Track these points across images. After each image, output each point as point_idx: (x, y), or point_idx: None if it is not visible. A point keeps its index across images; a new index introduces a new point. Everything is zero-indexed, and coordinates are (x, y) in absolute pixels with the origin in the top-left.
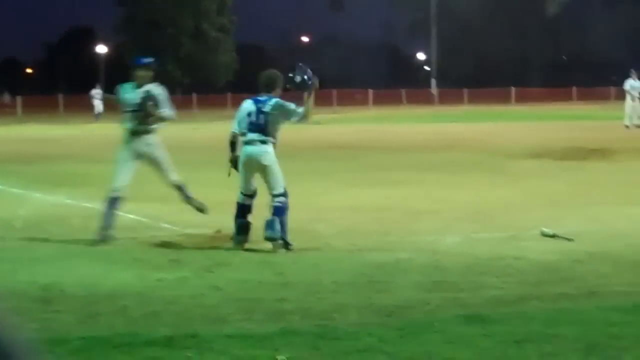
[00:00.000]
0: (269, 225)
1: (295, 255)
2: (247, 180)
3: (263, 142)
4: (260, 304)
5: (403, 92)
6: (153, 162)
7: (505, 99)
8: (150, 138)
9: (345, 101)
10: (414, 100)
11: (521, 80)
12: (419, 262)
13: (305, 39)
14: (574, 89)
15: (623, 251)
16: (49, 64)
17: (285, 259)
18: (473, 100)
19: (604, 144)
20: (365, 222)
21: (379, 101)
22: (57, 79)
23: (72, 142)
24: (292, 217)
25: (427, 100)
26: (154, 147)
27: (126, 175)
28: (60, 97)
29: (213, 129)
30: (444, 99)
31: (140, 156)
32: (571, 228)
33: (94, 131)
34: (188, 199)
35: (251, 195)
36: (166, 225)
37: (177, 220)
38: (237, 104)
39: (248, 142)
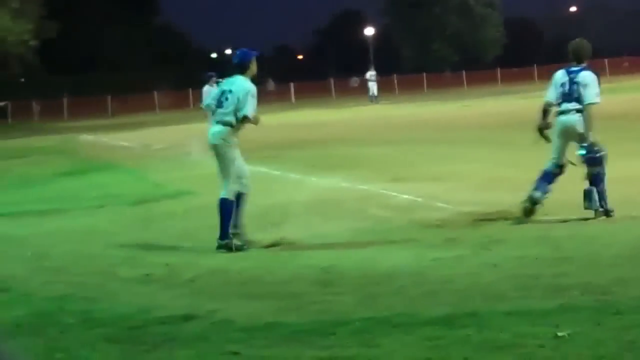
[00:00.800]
0: (587, 195)
1: (572, 228)
2: (561, 150)
3: (578, 111)
4: (538, 279)
5: None
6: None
7: None
8: None
9: (617, 70)
10: None
11: None
12: None
13: (573, 8)
14: None
15: None
16: (319, 50)
17: (562, 233)
18: None
19: None
20: None
21: None
22: (327, 63)
23: (344, 125)
24: (568, 190)
25: None
26: None
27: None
28: (332, 82)
29: (484, 105)
30: None
31: None
32: None
33: (367, 113)
34: None
35: (562, 166)
36: (441, 204)
37: (452, 198)
38: (506, 79)
39: (563, 112)
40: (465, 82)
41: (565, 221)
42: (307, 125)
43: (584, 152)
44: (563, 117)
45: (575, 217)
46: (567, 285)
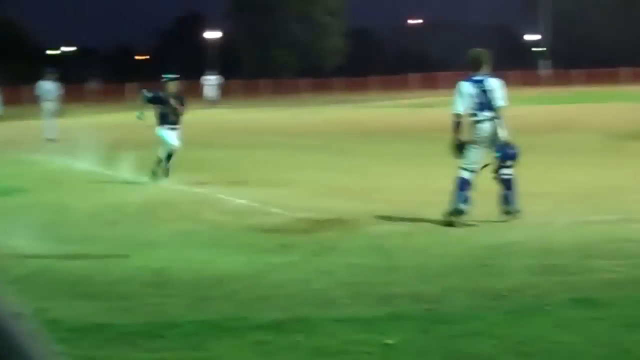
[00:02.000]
0: (505, 199)
1: (405, 238)
2: (478, 157)
3: (494, 118)
4: (368, 287)
5: (512, 73)
6: None
7: (616, 80)
8: None
9: (453, 84)
10: (522, 81)
11: (633, 61)
12: (529, 245)
13: (414, 21)
14: None
15: None
16: (161, 51)
17: (394, 242)
18: (584, 80)
19: None
20: (476, 207)
21: None
22: (168, 65)
23: (184, 127)
24: (402, 201)
25: (536, 81)
26: None
27: None
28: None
29: (323, 113)
30: (553, 80)
31: None
32: None
33: (206, 117)
34: None
35: (474, 171)
36: (276, 210)
37: (287, 204)
38: (347, 88)
39: (480, 121)
40: (305, 90)
41: (398, 230)
42: (147, 126)
43: (499, 153)
44: (482, 126)
45: (407, 227)
46: (397, 293)
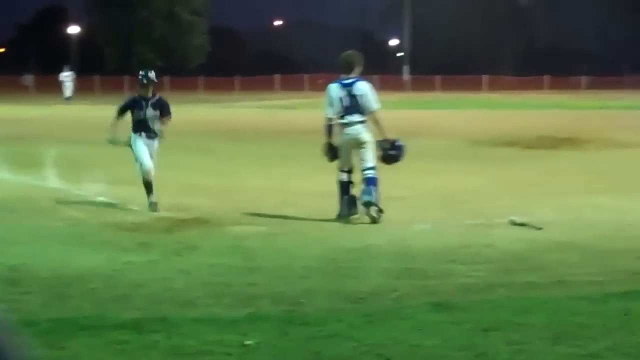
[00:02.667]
0: (366, 192)
1: (266, 239)
2: (349, 158)
3: (361, 121)
4: (229, 288)
5: (374, 77)
6: None
7: (477, 87)
8: None
9: (317, 86)
10: (385, 86)
11: (493, 68)
12: (388, 248)
13: (279, 22)
14: (546, 77)
15: (591, 241)
16: (20, 44)
17: (255, 243)
18: (445, 87)
19: (574, 133)
20: (335, 208)
21: None
22: (27, 59)
23: (42, 123)
24: (264, 201)
25: (399, 86)
26: None
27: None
28: (31, 78)
29: (186, 112)
30: (415, 86)
31: None
32: (540, 217)
33: (66, 112)
34: None
35: (351, 171)
36: (136, 208)
37: (147, 203)
38: (209, 87)
39: (347, 124)
40: (168, 88)
41: (259, 231)
42: (1, 121)
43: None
44: (349, 129)
45: (268, 227)
46: (257, 294)
